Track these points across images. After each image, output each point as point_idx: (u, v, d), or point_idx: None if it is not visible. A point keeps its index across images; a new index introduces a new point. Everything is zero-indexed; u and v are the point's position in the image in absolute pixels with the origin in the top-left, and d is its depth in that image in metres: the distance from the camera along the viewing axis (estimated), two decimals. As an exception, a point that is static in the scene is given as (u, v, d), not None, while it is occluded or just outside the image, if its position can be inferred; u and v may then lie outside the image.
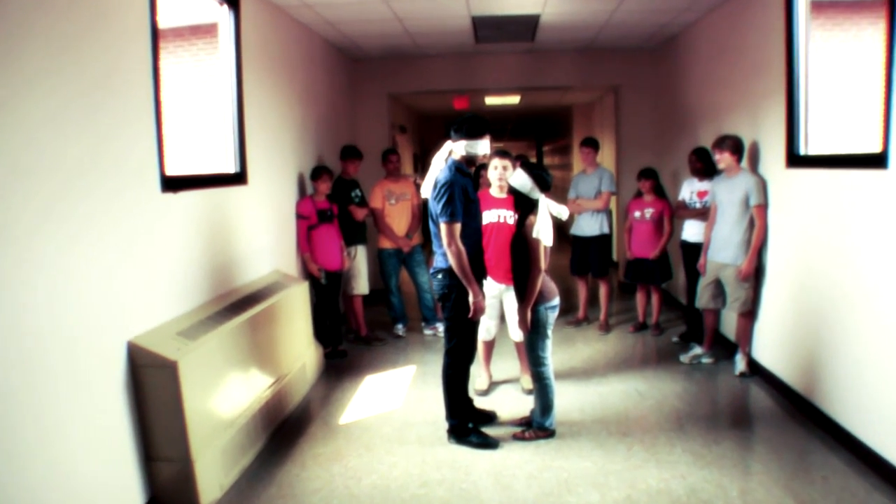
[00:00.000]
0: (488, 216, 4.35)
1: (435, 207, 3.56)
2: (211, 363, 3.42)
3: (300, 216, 5.43)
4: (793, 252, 4.37)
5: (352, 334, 6.17)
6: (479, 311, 3.60)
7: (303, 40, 5.89)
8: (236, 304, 3.99)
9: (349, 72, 7.59)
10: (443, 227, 3.52)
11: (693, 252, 5.49)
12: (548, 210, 3.59)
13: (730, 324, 5.42)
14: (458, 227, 3.51)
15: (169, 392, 3.06)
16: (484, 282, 3.84)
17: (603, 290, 6.25)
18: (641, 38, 6.95)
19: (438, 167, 3.70)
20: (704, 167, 5.43)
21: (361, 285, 5.96)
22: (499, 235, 4.34)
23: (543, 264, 3.58)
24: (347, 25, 6.01)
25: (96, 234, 2.82)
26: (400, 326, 6.25)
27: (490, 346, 4.71)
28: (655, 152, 7.60)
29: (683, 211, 5.57)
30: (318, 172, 5.50)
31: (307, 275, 5.54)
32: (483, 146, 3.62)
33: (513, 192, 3.67)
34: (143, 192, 3.23)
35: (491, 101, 10.91)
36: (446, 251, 3.53)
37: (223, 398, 3.53)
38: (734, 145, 4.79)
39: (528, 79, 7.80)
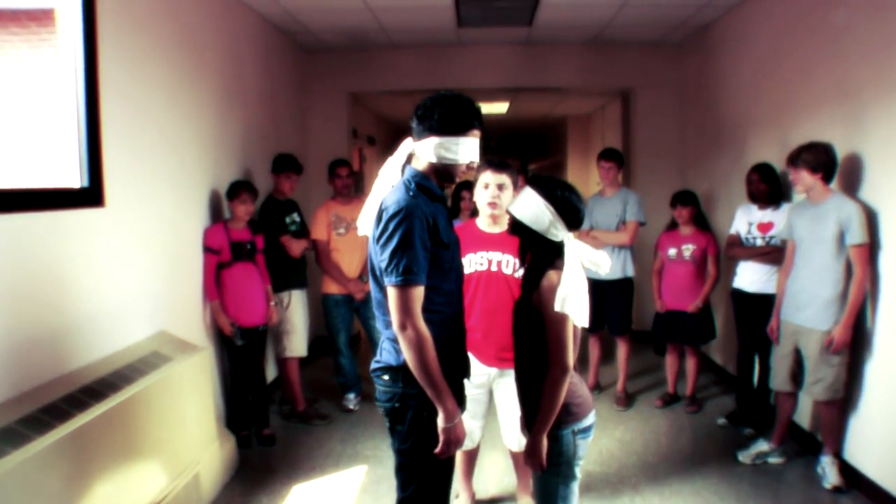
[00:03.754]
0: (473, 262, 2.82)
1: (378, 255, 2.03)
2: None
3: (208, 249, 3.87)
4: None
5: (287, 406, 4.58)
6: (456, 443, 2.04)
7: (226, 16, 4.35)
8: (60, 404, 2.41)
9: (299, 65, 6.04)
10: (391, 293, 1.98)
11: (750, 305, 4.03)
12: (580, 261, 2.07)
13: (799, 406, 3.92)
14: (419, 293, 1.97)
15: None
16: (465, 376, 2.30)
17: (622, 352, 4.73)
18: (665, 27, 5.51)
19: (389, 183, 2.16)
20: (770, 190, 3.96)
21: (297, 345, 4.38)
22: (489, 291, 2.81)
23: (571, 358, 2.04)
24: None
25: None
26: (351, 396, 4.67)
27: (472, 456, 3.16)
28: (679, 170, 6.13)
29: (738, 249, 4.09)
30: (235, 190, 3.94)
31: (219, 333, 3.97)
32: (468, 149, 2.08)
33: (517, 228, 2.14)
34: None
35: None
36: (397, 335, 1.99)
37: None
38: (818, 160, 3.32)
39: (522, 78, 6.30)
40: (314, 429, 4.34)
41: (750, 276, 4.04)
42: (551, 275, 2.04)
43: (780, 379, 3.57)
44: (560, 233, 2.07)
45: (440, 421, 2.00)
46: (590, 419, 2.16)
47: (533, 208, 2.07)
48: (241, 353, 3.98)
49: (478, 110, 2.08)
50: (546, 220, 2.05)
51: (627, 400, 4.69)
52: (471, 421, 2.93)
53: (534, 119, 11.12)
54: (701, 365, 4.70)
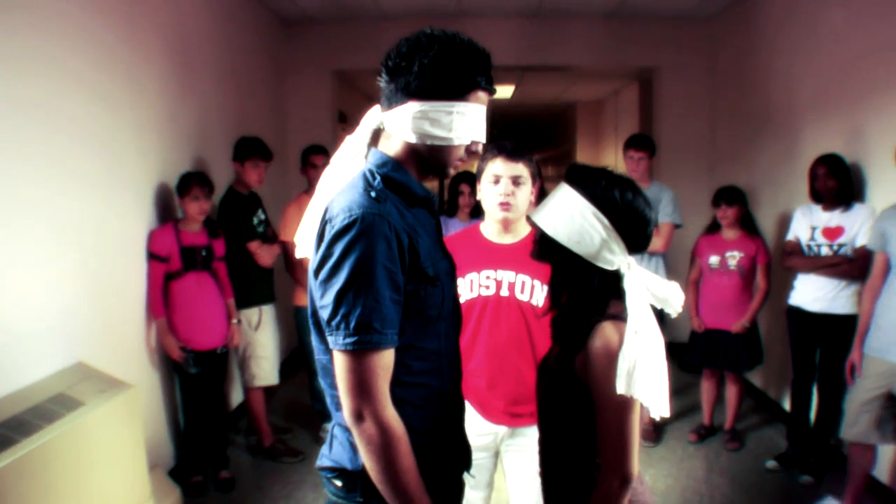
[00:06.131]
0: (476, 283, 2.09)
1: (319, 294, 1.28)
2: None
3: (153, 256, 3.15)
4: None
5: (254, 437, 3.87)
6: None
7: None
8: None
9: (275, 38, 5.27)
10: (339, 362, 1.24)
11: (812, 327, 3.34)
12: (647, 302, 1.35)
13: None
14: (383, 361, 1.23)
15: None
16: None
17: (651, 377, 4.01)
18: (698, -4, 4.76)
19: (344, 176, 1.43)
20: (840, 187, 3.23)
21: (266, 371, 3.66)
22: (498, 323, 2.07)
23: (635, 464, 1.31)
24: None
25: None
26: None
27: (475, 534, 2.44)
28: (709, 165, 5.40)
29: (798, 259, 3.37)
30: (186, 184, 3.22)
31: (166, 358, 3.26)
32: (469, 121, 1.32)
33: (547, 250, 1.41)
34: None
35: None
36: (351, 428, 1.26)
37: None
38: None
39: (531, 56, 5.54)
40: (284, 468, 3.63)
41: (812, 293, 3.32)
42: (606, 329, 1.30)
43: (858, 429, 2.83)
44: (617, 258, 1.34)
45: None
46: (654, 539, 1.44)
47: (574, 219, 1.34)
48: (195, 382, 3.26)
49: (485, 58, 1.31)
50: (596, 239, 1.32)
51: (656, 433, 3.98)
52: (471, 492, 2.21)
53: (540, 105, 10.36)
54: (743, 392, 3.98)
